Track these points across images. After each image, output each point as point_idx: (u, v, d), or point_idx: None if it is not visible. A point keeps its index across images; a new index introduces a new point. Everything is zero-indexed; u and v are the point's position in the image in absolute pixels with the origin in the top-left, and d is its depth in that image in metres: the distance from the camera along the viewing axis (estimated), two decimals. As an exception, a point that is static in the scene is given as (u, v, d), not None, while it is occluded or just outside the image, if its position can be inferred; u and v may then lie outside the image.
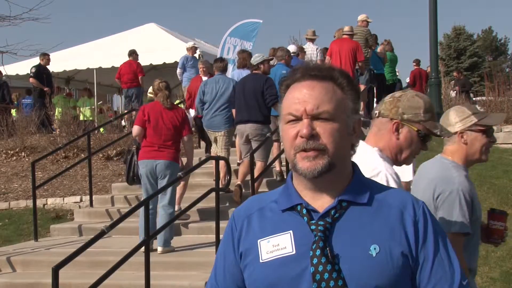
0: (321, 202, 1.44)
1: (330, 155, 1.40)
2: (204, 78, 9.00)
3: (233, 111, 7.77)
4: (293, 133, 1.42)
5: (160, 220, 6.40)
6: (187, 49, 12.22)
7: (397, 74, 15.62)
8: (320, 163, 1.39)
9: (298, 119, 1.42)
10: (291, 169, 1.48)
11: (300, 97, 1.42)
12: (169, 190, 6.39)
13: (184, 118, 6.63)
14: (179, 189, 7.17)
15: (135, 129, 6.58)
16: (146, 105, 6.86)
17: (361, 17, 11.68)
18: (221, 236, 6.00)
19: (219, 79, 8.25)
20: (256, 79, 7.58)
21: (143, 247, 5.40)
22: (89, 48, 17.45)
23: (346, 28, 10.76)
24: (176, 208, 6.92)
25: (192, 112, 9.54)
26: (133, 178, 6.91)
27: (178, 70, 11.87)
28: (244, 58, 9.03)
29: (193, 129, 8.80)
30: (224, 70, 8.47)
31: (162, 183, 6.39)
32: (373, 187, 1.49)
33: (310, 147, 1.39)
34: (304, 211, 1.44)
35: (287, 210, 1.47)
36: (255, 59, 7.83)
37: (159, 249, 6.43)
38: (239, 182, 7.52)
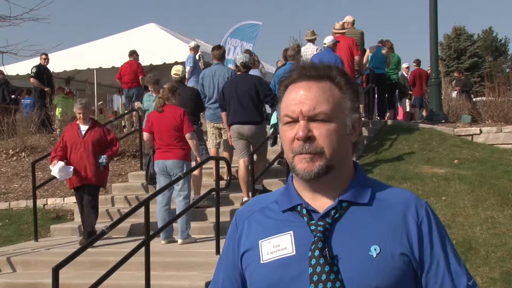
0: (321, 203, 1.43)
1: (327, 157, 1.39)
2: (83, 127, 7.10)
3: (223, 114, 7.52)
4: (291, 136, 1.41)
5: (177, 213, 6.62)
6: (190, 48, 11.85)
7: (406, 75, 15.60)
8: (317, 165, 1.38)
9: (295, 120, 1.41)
10: (291, 170, 1.47)
11: (297, 98, 1.41)
12: (185, 185, 6.66)
13: (182, 117, 6.76)
14: (193, 180, 7.39)
15: (144, 135, 7.18)
16: (150, 113, 7.34)
17: (350, 19, 11.56)
18: (221, 236, 6.03)
19: (216, 71, 8.12)
20: (248, 80, 7.42)
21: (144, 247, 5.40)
22: (89, 48, 17.46)
23: (337, 26, 10.61)
24: (194, 196, 7.25)
25: (57, 167, 6.85)
26: (151, 178, 7.38)
27: (188, 68, 11.10)
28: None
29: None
30: (221, 58, 8.38)
31: (178, 182, 6.56)
32: (375, 187, 1.48)
33: (307, 151, 1.38)
34: (304, 211, 1.43)
35: (288, 211, 1.46)
36: (243, 59, 7.57)
37: (179, 241, 6.65)
38: (245, 198, 7.35)
